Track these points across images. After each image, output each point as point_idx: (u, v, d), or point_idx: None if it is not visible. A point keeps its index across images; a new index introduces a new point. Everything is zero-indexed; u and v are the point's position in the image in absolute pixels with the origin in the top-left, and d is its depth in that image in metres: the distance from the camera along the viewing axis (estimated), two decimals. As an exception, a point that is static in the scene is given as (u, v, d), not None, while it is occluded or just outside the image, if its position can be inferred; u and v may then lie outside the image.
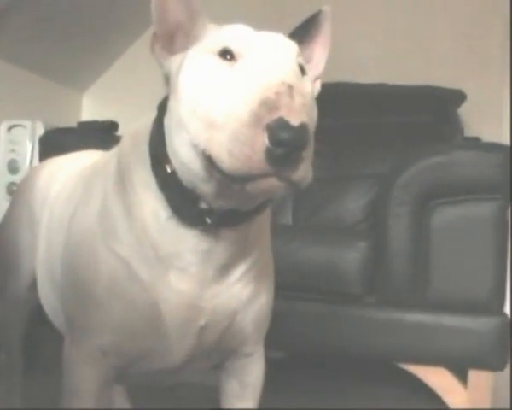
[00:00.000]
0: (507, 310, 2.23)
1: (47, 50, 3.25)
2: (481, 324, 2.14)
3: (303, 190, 0.95)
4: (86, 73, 3.80)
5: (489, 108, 3.37)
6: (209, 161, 0.96)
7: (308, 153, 0.91)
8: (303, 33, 1.16)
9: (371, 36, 3.53)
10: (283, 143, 0.87)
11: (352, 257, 2.20)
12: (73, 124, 3.36)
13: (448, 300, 2.16)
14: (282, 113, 0.88)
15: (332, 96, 2.95)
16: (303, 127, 0.88)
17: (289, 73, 0.97)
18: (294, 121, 0.87)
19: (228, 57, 1.01)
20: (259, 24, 1.10)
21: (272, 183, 0.91)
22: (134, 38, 3.74)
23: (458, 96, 3.06)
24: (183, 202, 1.09)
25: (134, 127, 1.22)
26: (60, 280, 1.33)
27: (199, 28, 1.09)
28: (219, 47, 1.02)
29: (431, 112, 3.03)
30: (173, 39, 1.10)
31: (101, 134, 2.87)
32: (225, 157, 0.91)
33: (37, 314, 1.64)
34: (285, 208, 2.87)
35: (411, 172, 2.16)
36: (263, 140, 0.88)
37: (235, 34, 1.04)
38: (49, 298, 1.49)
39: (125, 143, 1.22)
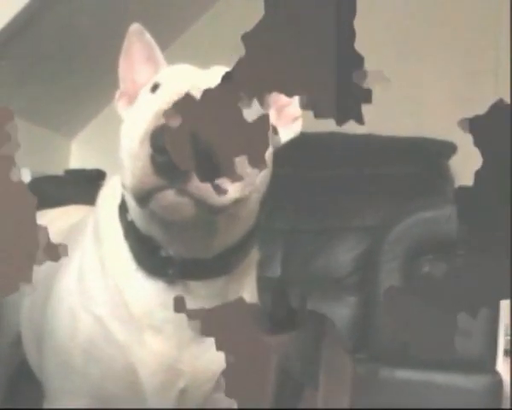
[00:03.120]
0: (499, 368, 2.19)
1: (34, 95, 3.22)
2: (473, 382, 2.10)
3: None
4: (75, 119, 3.77)
5: (480, 159, 3.35)
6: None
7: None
8: None
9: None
10: (163, 148, 0.77)
11: (341, 312, 2.17)
12: (61, 170, 3.34)
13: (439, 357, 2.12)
14: (166, 119, 0.82)
15: (321, 147, 2.98)
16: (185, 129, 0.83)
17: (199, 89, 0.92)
18: (174, 123, 0.79)
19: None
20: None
21: (170, 197, 0.86)
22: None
23: (449, 148, 3.04)
24: (144, 250, 1.06)
25: (113, 179, 1.21)
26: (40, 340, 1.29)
27: None
28: (152, 83, 1.03)
29: (421, 163, 3.01)
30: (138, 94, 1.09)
31: (88, 183, 2.85)
32: (129, 180, 0.89)
33: (22, 371, 1.60)
34: (274, 260, 2.83)
35: (403, 226, 2.14)
36: (147, 149, 0.84)
37: (169, 70, 1.05)
38: (33, 356, 1.45)
39: (100, 196, 1.21)
